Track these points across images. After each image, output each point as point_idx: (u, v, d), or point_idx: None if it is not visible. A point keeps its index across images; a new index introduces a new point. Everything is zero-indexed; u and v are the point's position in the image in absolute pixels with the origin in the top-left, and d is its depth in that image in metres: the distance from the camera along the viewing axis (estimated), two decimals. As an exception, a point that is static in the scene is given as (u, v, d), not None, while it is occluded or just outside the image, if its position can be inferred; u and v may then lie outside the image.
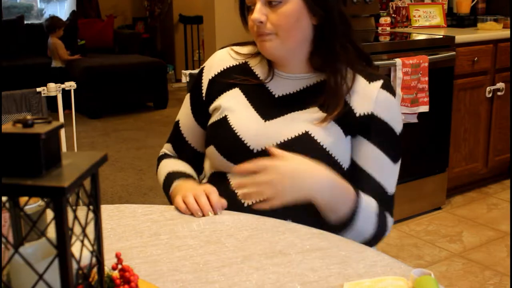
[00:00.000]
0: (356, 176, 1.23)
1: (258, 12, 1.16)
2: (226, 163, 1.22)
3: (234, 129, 1.22)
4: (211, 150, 1.24)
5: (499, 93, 3.29)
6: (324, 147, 1.17)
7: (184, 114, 1.38)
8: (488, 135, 3.35)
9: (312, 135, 1.18)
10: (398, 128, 1.23)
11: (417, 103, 2.79)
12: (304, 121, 1.20)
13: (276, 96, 1.24)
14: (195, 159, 1.38)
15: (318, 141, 1.17)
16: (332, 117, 1.18)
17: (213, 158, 1.25)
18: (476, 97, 3.22)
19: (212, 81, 1.31)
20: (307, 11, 1.16)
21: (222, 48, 1.37)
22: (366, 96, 1.20)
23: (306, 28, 1.18)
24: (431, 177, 3.05)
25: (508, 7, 3.45)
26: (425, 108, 2.82)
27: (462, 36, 3.08)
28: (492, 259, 2.59)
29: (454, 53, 2.97)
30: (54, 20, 5.77)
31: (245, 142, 1.21)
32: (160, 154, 1.43)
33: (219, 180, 1.24)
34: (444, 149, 3.11)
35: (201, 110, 1.33)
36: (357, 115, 1.20)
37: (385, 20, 3.28)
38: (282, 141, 1.19)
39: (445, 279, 2.42)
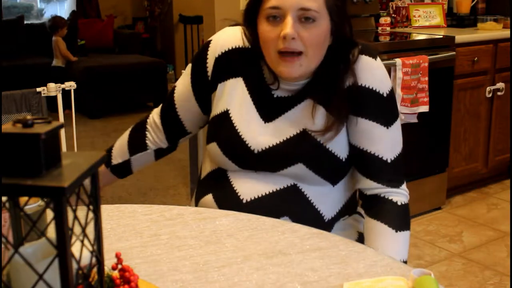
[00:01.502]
0: (354, 156, 1.21)
1: (292, 28, 1.08)
2: (228, 162, 1.22)
3: (236, 128, 1.21)
4: (214, 147, 1.23)
5: (499, 93, 3.29)
6: (321, 142, 1.17)
7: (182, 86, 1.31)
8: (488, 135, 3.35)
9: (309, 132, 1.18)
10: (384, 89, 1.19)
11: (417, 103, 2.79)
12: (301, 118, 1.19)
13: (275, 96, 1.23)
14: (177, 133, 1.35)
15: (314, 135, 1.17)
16: (341, 122, 1.17)
17: (214, 155, 1.24)
18: (476, 97, 3.22)
19: (218, 60, 1.24)
20: (330, 32, 1.14)
21: (233, 25, 1.28)
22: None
23: (326, 47, 1.15)
24: (431, 177, 3.05)
25: (508, 7, 3.45)
26: (425, 108, 2.82)
27: (462, 36, 3.08)
28: (492, 259, 2.59)
29: (454, 53, 2.97)
30: (56, 20, 5.78)
31: (246, 142, 1.20)
32: (140, 120, 1.43)
33: (220, 176, 1.24)
34: (444, 149, 3.11)
35: (203, 88, 1.27)
36: (344, 88, 1.17)
37: (385, 20, 3.28)
38: (282, 140, 1.19)
39: (445, 279, 2.42)
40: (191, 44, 6.98)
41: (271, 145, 1.19)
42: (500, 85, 3.28)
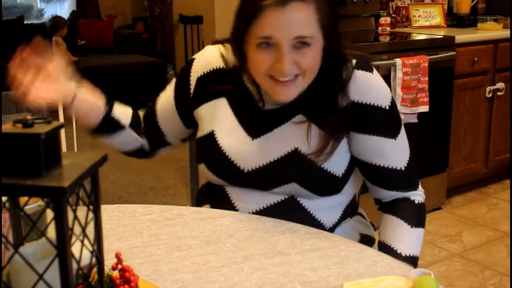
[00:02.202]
0: (366, 170, 1.21)
1: (289, 62, 1.04)
2: (220, 181, 1.20)
3: (222, 149, 1.18)
4: (203, 168, 1.22)
5: (499, 93, 3.29)
6: (315, 162, 1.13)
7: (165, 98, 1.31)
8: (488, 135, 3.35)
9: (301, 152, 1.14)
10: (385, 102, 1.16)
11: (417, 103, 2.79)
12: (292, 135, 1.15)
13: (263, 109, 1.19)
14: (157, 142, 1.33)
15: (309, 156, 1.13)
16: (336, 141, 1.14)
17: (206, 175, 1.23)
18: (476, 97, 3.22)
19: (200, 80, 1.24)
20: (322, 50, 1.10)
21: (215, 43, 1.26)
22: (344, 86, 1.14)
23: (320, 64, 1.11)
24: (431, 177, 3.05)
25: (508, 7, 3.45)
26: (425, 108, 2.82)
27: (462, 36, 3.08)
28: (492, 259, 2.59)
29: (454, 53, 2.97)
30: (57, 20, 5.79)
31: (234, 163, 1.17)
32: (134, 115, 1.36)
33: (217, 188, 1.23)
34: (444, 149, 3.11)
35: (185, 104, 1.27)
36: (340, 107, 1.14)
37: (385, 20, 3.28)
38: (272, 160, 1.16)
39: (445, 279, 2.42)
40: (191, 44, 6.98)
41: (261, 165, 1.16)
42: (500, 85, 3.28)
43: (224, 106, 1.21)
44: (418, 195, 1.23)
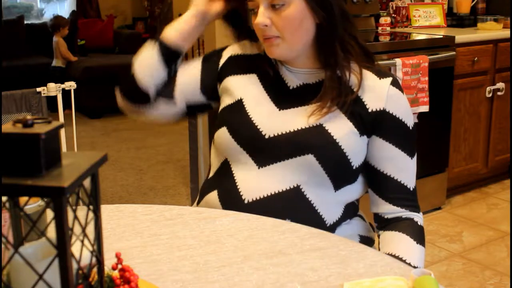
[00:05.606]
0: (377, 180, 1.25)
1: (262, 16, 1.16)
2: (236, 147, 1.22)
3: (249, 114, 1.23)
4: (222, 132, 1.24)
5: (499, 93, 3.30)
6: (336, 140, 1.17)
7: (192, 64, 1.35)
8: (488, 135, 3.35)
9: (325, 128, 1.18)
10: (410, 122, 1.24)
11: (417, 103, 2.79)
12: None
13: (291, 87, 1.25)
14: (165, 90, 1.33)
15: (331, 134, 1.18)
16: (325, 110, 1.18)
17: (222, 142, 1.24)
18: (476, 97, 3.22)
19: (231, 58, 1.33)
20: (309, 12, 1.16)
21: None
22: (377, 92, 1.21)
23: (310, 29, 1.18)
24: (431, 177, 3.05)
25: (508, 7, 3.45)
26: (425, 108, 2.82)
27: (462, 36, 3.08)
28: (492, 259, 2.59)
29: (454, 53, 2.97)
30: (58, 19, 5.80)
31: (258, 127, 1.21)
32: None
33: (224, 173, 1.24)
34: (444, 149, 3.11)
35: (211, 72, 1.33)
36: (370, 110, 1.20)
37: (385, 20, 3.28)
38: (296, 129, 1.19)
39: (445, 279, 2.42)
40: (191, 44, 6.98)
41: (283, 132, 1.20)
42: (500, 85, 3.28)
43: (255, 81, 1.28)
44: (419, 218, 1.26)
